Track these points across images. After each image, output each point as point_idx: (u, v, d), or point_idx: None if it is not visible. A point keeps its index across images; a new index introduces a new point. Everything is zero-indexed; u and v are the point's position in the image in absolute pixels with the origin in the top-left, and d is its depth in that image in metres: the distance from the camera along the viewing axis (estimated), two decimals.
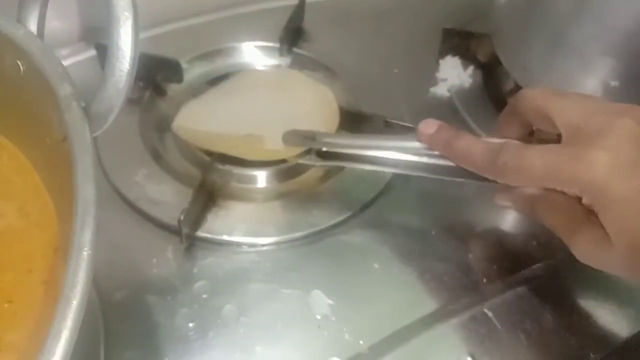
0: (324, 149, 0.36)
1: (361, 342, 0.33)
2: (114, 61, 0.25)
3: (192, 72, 0.47)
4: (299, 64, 0.49)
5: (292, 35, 0.50)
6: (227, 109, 0.43)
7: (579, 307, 0.35)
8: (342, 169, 0.41)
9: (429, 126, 0.32)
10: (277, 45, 0.49)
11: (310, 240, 0.37)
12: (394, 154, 0.33)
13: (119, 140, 0.41)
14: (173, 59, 0.44)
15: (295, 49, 0.50)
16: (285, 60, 0.49)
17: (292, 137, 0.38)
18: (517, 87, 0.43)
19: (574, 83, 0.39)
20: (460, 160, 0.31)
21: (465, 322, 0.34)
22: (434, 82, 0.48)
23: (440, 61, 0.50)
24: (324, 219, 0.38)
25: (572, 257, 0.36)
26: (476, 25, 0.49)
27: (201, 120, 0.42)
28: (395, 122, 0.42)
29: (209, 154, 0.41)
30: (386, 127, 0.42)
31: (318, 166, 0.40)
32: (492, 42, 0.45)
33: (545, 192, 0.30)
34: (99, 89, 0.26)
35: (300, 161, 0.39)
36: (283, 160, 0.41)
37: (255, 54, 0.49)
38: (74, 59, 0.48)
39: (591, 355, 0.33)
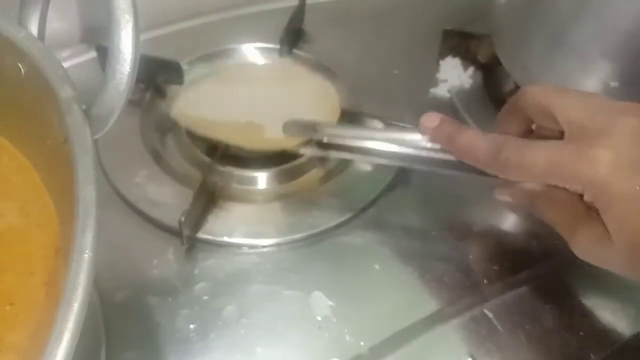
0: (325, 139, 0.36)
1: (362, 343, 0.33)
2: (114, 64, 0.25)
3: (193, 74, 0.47)
4: (300, 65, 0.49)
5: (293, 36, 0.50)
6: (227, 97, 0.43)
7: (580, 307, 0.35)
8: (342, 169, 0.41)
9: (431, 119, 0.32)
10: (278, 46, 0.49)
11: (310, 242, 0.37)
12: (395, 146, 0.33)
13: (120, 142, 0.41)
14: (173, 60, 0.44)
15: (295, 50, 0.50)
16: (286, 62, 0.49)
17: (293, 126, 0.38)
18: (517, 88, 0.43)
19: (574, 83, 0.39)
20: (462, 154, 0.31)
21: (465, 323, 0.34)
22: (434, 83, 0.48)
23: (441, 62, 0.50)
24: (324, 220, 0.38)
25: (572, 258, 0.36)
26: (476, 26, 0.49)
27: (200, 106, 0.42)
28: (396, 123, 0.42)
29: (210, 155, 0.41)
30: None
31: (317, 156, 0.40)
32: (492, 42, 0.45)
33: (546, 187, 0.30)
34: (99, 91, 0.26)
35: (301, 151, 0.38)
36: (284, 161, 0.41)
37: (255, 55, 0.49)
38: (75, 60, 0.49)
39: (592, 355, 0.33)
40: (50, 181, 0.30)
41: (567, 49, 0.38)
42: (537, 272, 0.37)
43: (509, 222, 0.40)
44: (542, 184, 0.30)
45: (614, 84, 0.38)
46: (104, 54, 0.29)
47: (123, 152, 0.41)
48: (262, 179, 0.41)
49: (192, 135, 0.43)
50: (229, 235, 0.37)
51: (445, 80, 0.48)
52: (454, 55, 0.50)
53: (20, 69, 0.29)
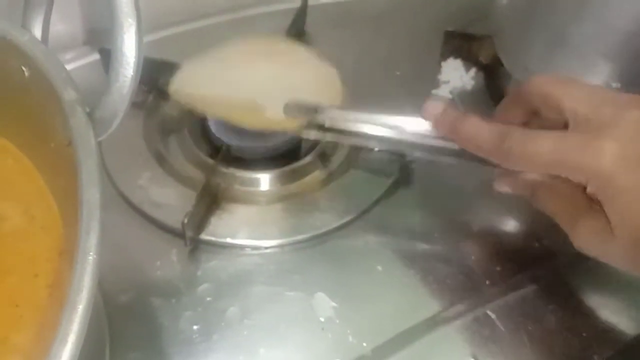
0: (326, 123, 0.36)
1: (365, 344, 0.33)
2: (117, 67, 0.25)
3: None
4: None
5: (295, 38, 0.50)
6: (228, 74, 0.41)
7: (582, 308, 0.35)
8: (345, 171, 0.41)
9: (435, 106, 0.32)
10: None
11: (313, 243, 0.38)
12: (397, 133, 0.33)
13: (123, 144, 0.41)
14: (176, 62, 0.45)
15: None
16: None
17: (294, 108, 0.37)
18: None
19: None
20: (465, 143, 0.31)
21: (468, 324, 0.34)
22: (436, 84, 0.48)
23: (442, 63, 0.50)
24: (326, 221, 0.38)
25: (575, 258, 0.36)
26: (478, 27, 0.49)
27: (200, 83, 0.41)
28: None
29: (212, 156, 0.41)
30: None
31: (318, 140, 0.39)
32: (494, 43, 0.45)
33: (547, 178, 0.30)
34: (103, 94, 0.26)
35: (301, 134, 0.38)
36: (286, 163, 0.41)
37: None
38: (78, 62, 0.49)
39: (595, 356, 0.33)
40: (54, 183, 0.30)
41: (568, 49, 0.38)
42: (539, 272, 0.37)
43: (511, 223, 0.40)
44: (544, 174, 0.30)
45: (615, 84, 0.38)
46: (108, 56, 0.29)
47: (126, 154, 0.41)
48: (264, 180, 0.41)
49: (195, 137, 0.43)
50: (232, 237, 0.37)
51: (447, 82, 0.48)
52: (456, 57, 0.50)
53: (24, 71, 0.29)
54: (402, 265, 0.37)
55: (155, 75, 0.44)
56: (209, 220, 0.38)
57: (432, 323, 0.34)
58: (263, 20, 0.53)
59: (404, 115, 0.34)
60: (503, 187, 0.32)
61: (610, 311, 0.35)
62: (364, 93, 0.46)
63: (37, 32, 0.31)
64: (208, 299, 0.35)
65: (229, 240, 0.37)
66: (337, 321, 0.34)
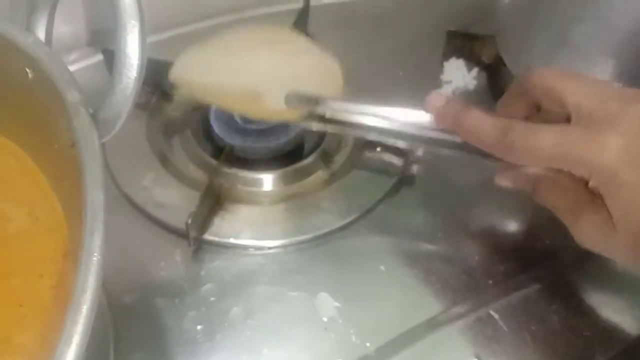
0: (327, 114, 0.36)
1: (368, 344, 0.33)
2: (121, 68, 0.26)
3: None
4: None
5: None
6: (228, 62, 0.41)
7: (585, 308, 0.35)
8: (347, 171, 0.41)
9: (437, 98, 0.31)
10: None
11: (316, 243, 0.38)
12: (398, 125, 0.33)
13: (127, 145, 0.41)
14: None
15: None
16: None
17: (295, 98, 0.37)
18: None
19: None
20: (467, 135, 0.30)
21: (471, 324, 0.34)
22: (438, 84, 0.48)
23: (445, 63, 0.50)
24: (329, 221, 0.38)
25: (578, 258, 0.36)
26: (480, 27, 0.49)
27: (201, 71, 0.40)
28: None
29: (216, 157, 0.41)
30: None
31: (319, 130, 0.38)
32: (496, 43, 0.45)
33: (549, 172, 0.29)
34: (106, 95, 0.26)
35: (302, 124, 0.37)
36: (289, 163, 0.41)
37: None
38: (82, 63, 0.49)
39: (598, 356, 0.33)
40: (59, 185, 0.30)
41: (570, 49, 0.38)
42: (542, 272, 0.37)
43: (514, 223, 0.40)
44: (546, 168, 0.30)
45: (617, 84, 0.38)
46: (111, 57, 0.29)
47: (130, 155, 0.41)
48: (267, 180, 0.41)
49: (198, 138, 0.43)
50: (235, 237, 0.37)
51: (449, 82, 0.48)
52: (458, 57, 0.50)
53: (28, 73, 0.29)
54: (405, 265, 0.37)
55: (159, 76, 0.44)
56: (213, 221, 0.38)
57: (435, 323, 0.34)
58: (266, 21, 0.53)
59: (406, 107, 0.33)
60: (504, 181, 0.32)
61: (613, 311, 0.35)
62: (367, 93, 0.46)
63: (41, 33, 0.31)
64: (212, 299, 0.35)
65: (232, 240, 0.37)
66: (340, 321, 0.34)
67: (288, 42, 0.44)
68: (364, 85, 0.47)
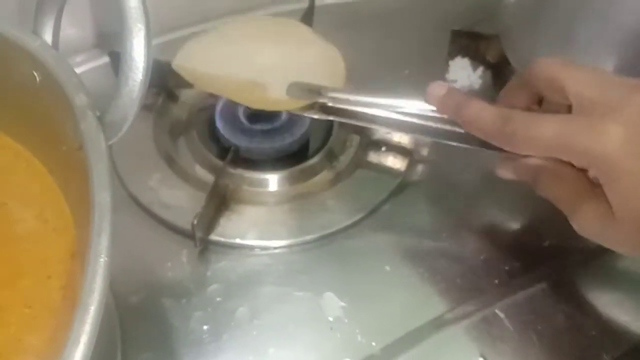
0: (329, 104, 0.36)
1: (373, 343, 0.33)
2: (127, 71, 0.26)
3: None
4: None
5: None
6: (232, 53, 0.41)
7: (591, 307, 0.35)
8: (352, 171, 0.41)
9: (438, 88, 0.31)
10: None
11: (321, 243, 0.38)
12: (400, 115, 0.33)
13: (133, 146, 0.41)
14: None
15: None
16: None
17: (297, 89, 0.37)
18: None
19: None
20: (468, 125, 0.30)
21: (476, 323, 0.34)
22: None
23: (450, 62, 0.50)
24: (335, 221, 0.38)
25: (584, 257, 0.36)
26: (485, 26, 0.49)
27: (204, 60, 0.40)
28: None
29: (221, 158, 0.41)
30: None
31: (321, 119, 0.38)
32: (501, 42, 0.45)
33: (549, 162, 0.29)
34: (113, 98, 0.26)
35: (305, 114, 0.38)
36: (294, 163, 0.41)
37: None
38: (88, 65, 0.49)
39: (604, 355, 0.33)
40: (67, 187, 0.31)
41: (575, 47, 0.38)
42: (548, 271, 0.37)
43: (520, 222, 0.40)
44: (546, 158, 0.29)
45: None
46: (117, 59, 0.30)
47: (136, 156, 0.41)
48: (273, 181, 0.41)
49: (203, 139, 0.43)
50: (241, 237, 0.37)
51: (454, 81, 0.48)
52: (463, 56, 0.49)
53: (35, 77, 0.29)
54: (411, 265, 0.37)
55: (165, 78, 0.45)
56: (218, 221, 0.38)
57: (441, 322, 0.34)
58: None
59: (408, 98, 0.33)
60: (505, 172, 0.32)
61: (619, 310, 0.35)
62: (372, 92, 0.46)
63: (48, 37, 0.31)
64: (218, 299, 0.35)
65: (238, 240, 0.37)
66: (346, 321, 0.34)
67: (291, 33, 0.44)
68: (369, 84, 0.47)
